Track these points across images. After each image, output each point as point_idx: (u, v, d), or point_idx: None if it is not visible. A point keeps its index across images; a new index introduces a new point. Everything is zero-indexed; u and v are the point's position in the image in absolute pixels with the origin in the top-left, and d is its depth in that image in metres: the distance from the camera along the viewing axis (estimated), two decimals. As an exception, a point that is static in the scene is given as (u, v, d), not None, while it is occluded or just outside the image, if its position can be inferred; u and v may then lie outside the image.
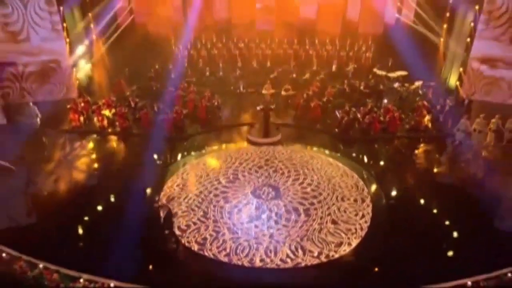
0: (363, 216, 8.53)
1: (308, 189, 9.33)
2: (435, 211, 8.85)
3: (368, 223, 8.31)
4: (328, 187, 9.48)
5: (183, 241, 7.88)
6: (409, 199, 9.36)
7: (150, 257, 7.45)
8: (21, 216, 8.49)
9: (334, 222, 8.39)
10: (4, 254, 7.35)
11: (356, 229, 8.11)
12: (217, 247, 7.65)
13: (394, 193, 9.58)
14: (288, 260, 7.40)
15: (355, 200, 9.03)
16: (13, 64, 12.20)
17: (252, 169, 10.22)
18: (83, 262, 7.16)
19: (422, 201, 9.24)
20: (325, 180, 9.77)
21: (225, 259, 7.43)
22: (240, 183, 9.61)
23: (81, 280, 6.94)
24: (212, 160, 10.68)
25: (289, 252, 7.58)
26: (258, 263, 7.34)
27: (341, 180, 9.72)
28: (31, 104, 11.49)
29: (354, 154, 10.97)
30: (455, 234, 8.09)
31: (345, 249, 7.58)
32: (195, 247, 7.70)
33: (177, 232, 8.11)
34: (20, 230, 8.02)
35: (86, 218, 8.50)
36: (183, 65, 15.15)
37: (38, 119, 11.39)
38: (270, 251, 7.56)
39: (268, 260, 7.35)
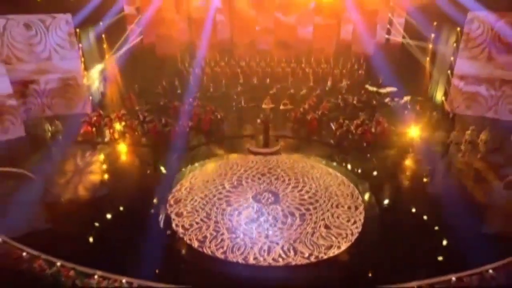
0: (354, 222, 8.66)
1: (306, 196, 9.50)
2: (424, 217, 8.85)
3: (359, 229, 8.42)
4: (325, 195, 9.62)
5: (185, 239, 8.11)
6: (398, 205, 9.44)
7: (154, 255, 7.60)
8: (39, 220, 8.68)
9: (327, 227, 8.55)
10: (24, 254, 7.54)
11: (346, 234, 8.27)
12: (215, 245, 7.90)
13: (385, 200, 9.62)
14: (280, 259, 7.57)
15: (349, 208, 9.14)
16: (36, 82, 12.62)
17: (256, 176, 10.44)
18: (96, 261, 7.33)
19: (410, 207, 9.22)
20: (323, 188, 9.93)
21: (222, 256, 7.64)
22: (243, 188, 9.86)
23: (95, 277, 7.12)
24: (212, 165, 10.94)
25: (281, 252, 7.77)
26: (251, 261, 7.54)
27: (338, 189, 9.85)
28: (56, 121, 11.80)
29: (349, 165, 10.96)
30: (439, 234, 8.16)
31: (334, 252, 7.75)
32: (195, 244, 7.95)
33: (180, 230, 8.36)
34: (38, 232, 8.21)
35: (99, 221, 8.67)
36: (197, 82, 15.61)
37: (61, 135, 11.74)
38: (264, 251, 7.77)
39: (261, 258, 7.57)
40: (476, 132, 10.95)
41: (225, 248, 7.87)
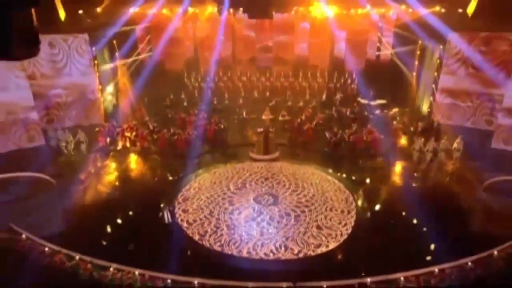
0: (345, 224, 8.81)
1: (303, 199, 9.72)
2: (410, 218, 9.01)
3: (349, 231, 8.58)
4: (321, 199, 9.78)
5: (188, 232, 8.52)
6: (387, 208, 9.61)
7: (163, 249, 7.99)
8: (59, 221, 9.10)
9: (318, 227, 8.72)
10: (46, 249, 7.90)
11: (336, 234, 8.43)
12: (214, 239, 8.29)
13: (375, 203, 9.76)
14: (271, 254, 7.91)
15: (342, 211, 9.28)
16: (58, 95, 13.02)
17: (259, 180, 10.73)
18: (111, 255, 7.64)
19: (398, 210, 9.40)
20: (320, 193, 10.08)
21: (218, 249, 8.02)
22: (246, 190, 10.21)
23: (111, 269, 7.44)
24: (221, 169, 11.29)
25: (273, 248, 8.06)
26: (244, 254, 7.89)
27: (334, 194, 10.00)
28: (80, 132, 12.30)
29: (342, 171, 11.15)
30: (423, 233, 8.36)
31: (322, 250, 7.95)
32: (196, 237, 8.36)
33: (185, 225, 8.78)
34: (58, 232, 8.58)
35: (113, 220, 9.02)
36: (203, 95, 15.96)
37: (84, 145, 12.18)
38: (258, 246, 8.10)
39: (253, 252, 7.91)
40: (450, 141, 11.38)
41: (222, 242, 8.24)
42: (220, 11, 13.92)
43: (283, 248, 8.07)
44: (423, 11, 13.07)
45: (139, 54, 16.45)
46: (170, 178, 10.99)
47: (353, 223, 8.84)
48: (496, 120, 12.22)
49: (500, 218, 8.66)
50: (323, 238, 8.31)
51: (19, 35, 1.60)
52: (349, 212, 9.27)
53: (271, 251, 8.00)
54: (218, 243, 8.19)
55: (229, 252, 7.96)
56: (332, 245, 8.11)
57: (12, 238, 8.26)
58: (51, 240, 8.07)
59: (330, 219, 8.99)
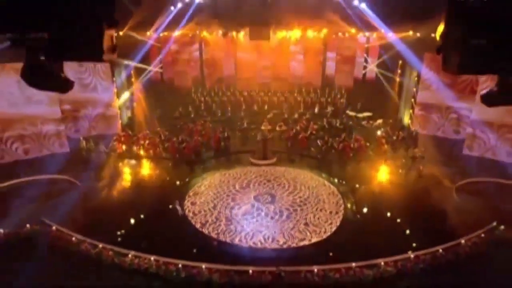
0: (331, 223, 9.14)
1: (298, 200, 10.11)
2: (391, 214, 9.46)
3: (334, 229, 8.92)
4: (314, 200, 10.09)
5: (192, 221, 9.24)
6: (371, 206, 9.89)
7: (172, 238, 8.60)
8: (83, 215, 9.54)
9: (306, 224, 9.08)
10: (73, 238, 8.40)
11: (320, 231, 8.80)
12: (213, 228, 8.92)
13: (359, 202, 10.08)
14: (259, 243, 8.45)
15: (331, 212, 9.59)
16: (86, 108, 13.70)
17: (262, 182, 11.16)
18: (129, 244, 8.19)
19: (380, 207, 9.75)
20: (314, 195, 10.37)
21: (215, 236, 8.73)
22: (249, 190, 10.72)
23: (129, 255, 7.91)
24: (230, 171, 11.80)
25: (261, 239, 8.58)
26: (236, 242, 8.53)
27: (327, 197, 10.28)
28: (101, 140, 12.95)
29: (331, 174, 11.53)
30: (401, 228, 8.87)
31: (304, 243, 8.40)
32: (198, 225, 9.05)
33: (190, 215, 9.47)
34: (83, 224, 9.01)
35: (129, 215, 9.47)
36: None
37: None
38: (248, 236, 8.68)
39: (244, 241, 8.53)
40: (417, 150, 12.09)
41: (219, 231, 8.88)
42: (225, 34, 14.60)
43: (270, 239, 8.58)
44: (394, 37, 13.73)
45: (151, 71, 16.83)
46: (179, 179, 11.42)
47: (338, 223, 9.14)
48: (462, 130, 12.97)
49: (468, 214, 9.20)
50: (308, 234, 8.73)
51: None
52: (336, 213, 9.57)
53: (259, 241, 8.53)
54: (215, 232, 8.85)
55: (223, 239, 8.62)
56: (314, 240, 8.54)
57: (44, 230, 8.79)
58: (77, 231, 8.54)
59: (318, 218, 9.29)
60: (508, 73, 2.03)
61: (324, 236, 8.69)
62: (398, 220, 9.24)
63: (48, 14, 1.96)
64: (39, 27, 1.97)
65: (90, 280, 7.53)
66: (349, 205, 9.97)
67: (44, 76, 2.22)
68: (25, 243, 8.34)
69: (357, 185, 10.99)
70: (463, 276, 7.51)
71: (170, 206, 9.88)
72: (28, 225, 8.73)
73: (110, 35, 2.13)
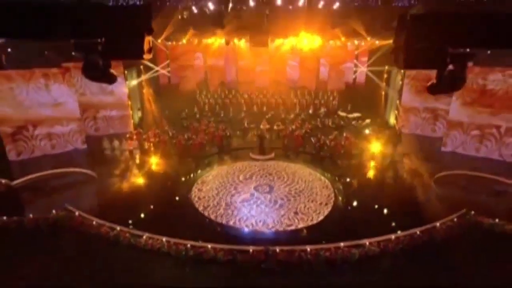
0: (319, 213, 9.38)
1: (292, 192, 10.46)
2: (376, 202, 9.83)
3: (320, 218, 9.15)
4: (308, 192, 10.38)
5: (196, 205, 9.73)
6: (359, 196, 10.33)
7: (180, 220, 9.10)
8: (101, 203, 10.11)
9: (296, 213, 9.38)
10: (94, 222, 8.79)
11: (307, 219, 9.11)
12: (212, 212, 9.51)
13: (348, 194, 10.39)
14: (250, 226, 8.89)
15: (321, 203, 9.83)
16: (104, 109, 14.24)
17: (264, 174, 11.50)
18: (144, 227, 8.55)
19: (366, 196, 10.15)
20: (309, 188, 10.66)
21: (213, 218, 9.24)
22: (251, 181, 11.11)
23: (144, 237, 8.28)
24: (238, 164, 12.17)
25: (253, 222, 9.02)
26: (230, 224, 9.01)
27: (320, 190, 10.54)
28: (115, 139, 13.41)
29: (325, 171, 11.71)
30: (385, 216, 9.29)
31: (291, 228, 8.79)
32: (200, 208, 9.67)
33: (196, 199, 9.97)
34: (101, 210, 9.49)
35: (141, 203, 9.93)
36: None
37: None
38: (242, 219, 9.13)
39: (238, 223, 9.01)
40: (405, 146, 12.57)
41: (216, 214, 9.40)
42: (227, 42, 15.09)
43: (261, 223, 9.01)
44: (378, 44, 14.28)
45: (159, 77, 17.35)
46: (186, 172, 11.84)
47: (326, 213, 9.40)
48: (438, 128, 13.60)
49: (444, 202, 9.77)
50: (296, 221, 9.08)
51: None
52: (326, 204, 9.80)
53: (251, 224, 9.01)
54: (214, 214, 9.35)
55: (220, 221, 9.14)
56: (300, 226, 8.85)
57: (68, 215, 9.21)
58: (96, 216, 8.95)
59: (308, 208, 9.57)
60: (442, 69, 2.59)
61: (310, 223, 9.04)
62: (379, 204, 9.69)
63: (105, 25, 2.53)
64: (97, 34, 2.53)
65: (108, 259, 7.89)
66: (340, 198, 10.25)
67: (98, 71, 2.78)
68: (52, 226, 8.84)
69: (348, 179, 11.38)
70: (437, 254, 7.94)
71: (177, 198, 10.30)
72: (54, 211, 9.20)
73: (148, 40, 2.70)
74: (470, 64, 11.88)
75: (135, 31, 2.55)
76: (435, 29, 2.35)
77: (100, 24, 2.54)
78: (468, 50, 2.45)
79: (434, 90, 2.88)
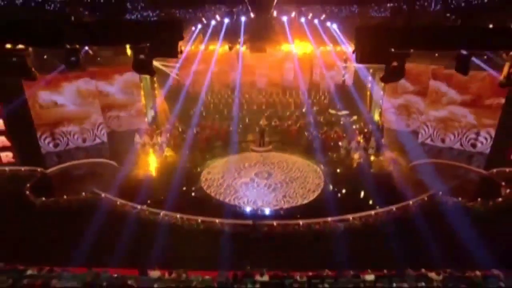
0: (305, 198, 9.96)
1: (287, 179, 11.02)
2: (358, 186, 10.47)
3: (304, 202, 9.79)
4: (300, 180, 10.87)
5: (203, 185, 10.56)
6: (345, 182, 10.99)
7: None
8: (122, 187, 10.54)
9: (284, 196, 10.00)
10: (118, 202, 9.68)
11: (293, 202, 9.76)
12: (214, 190, 10.39)
13: (337, 179, 11.16)
14: (242, 204, 9.74)
15: (309, 190, 10.33)
16: (126, 108, 14.96)
17: (267, 163, 12.10)
18: (159, 206, 9.32)
19: (351, 182, 10.77)
20: (303, 176, 11.14)
21: (214, 195, 10.12)
22: (255, 168, 11.78)
23: (161, 214, 9.15)
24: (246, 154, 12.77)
25: (245, 201, 9.85)
26: (226, 201, 9.88)
27: (312, 179, 10.98)
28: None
29: (316, 161, 12.23)
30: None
31: (276, 209, 9.56)
32: (205, 187, 10.58)
33: (203, 180, 10.75)
34: (122, 193, 10.09)
35: (157, 185, 10.83)
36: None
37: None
38: (237, 199, 9.95)
39: (232, 201, 9.87)
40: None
41: (216, 192, 10.29)
42: (231, 48, 15.79)
43: (251, 203, 9.77)
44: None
45: (170, 78, 17.14)
46: (195, 162, 12.56)
47: (311, 198, 9.97)
48: (411, 123, 14.34)
49: (417, 185, 10.53)
50: (282, 203, 9.78)
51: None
52: (313, 191, 10.31)
53: (243, 202, 9.83)
54: (214, 192, 10.14)
55: (218, 198, 10.06)
56: (285, 207, 9.58)
57: (95, 197, 10.05)
58: (119, 197, 9.77)
59: (297, 194, 10.12)
60: (388, 64, 3.40)
61: (294, 205, 9.76)
62: (362, 189, 10.38)
63: (149, 33, 3.35)
64: (145, 40, 3.35)
65: (131, 233, 8.45)
66: (330, 186, 10.78)
67: (144, 67, 3.59)
68: (82, 206, 9.65)
69: (338, 170, 11.99)
70: (409, 227, 8.73)
71: (184, 188, 10.86)
72: (83, 193, 10.05)
73: (180, 45, 3.53)
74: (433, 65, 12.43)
75: (171, 38, 3.37)
76: (381, 36, 3.15)
77: (146, 33, 3.36)
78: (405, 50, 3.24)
79: (384, 80, 3.68)
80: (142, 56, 3.33)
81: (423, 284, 6.18)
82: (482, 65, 10.24)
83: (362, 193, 10.32)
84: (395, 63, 3.25)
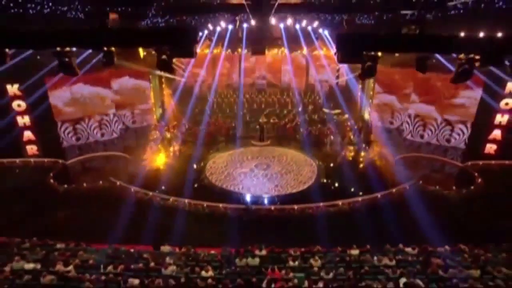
0: (295, 188, 10.34)
1: (283, 170, 11.45)
2: (347, 177, 10.93)
3: (293, 191, 10.18)
4: (295, 172, 11.23)
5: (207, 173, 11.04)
6: (335, 172, 11.43)
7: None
8: (135, 176, 11.08)
9: (276, 186, 10.45)
10: (132, 190, 10.23)
11: (284, 191, 10.17)
12: (215, 177, 10.94)
13: (328, 169, 11.58)
14: (239, 190, 10.24)
15: (301, 182, 10.68)
16: (140, 105, 15.45)
17: (268, 156, 12.46)
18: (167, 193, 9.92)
19: (340, 173, 11.21)
20: (298, 169, 11.48)
21: (214, 182, 10.64)
22: (256, 160, 12.18)
23: (170, 199, 9.63)
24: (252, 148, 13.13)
25: (241, 187, 10.34)
26: (224, 187, 10.44)
27: (306, 172, 11.32)
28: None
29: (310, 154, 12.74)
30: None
31: (269, 195, 10.08)
32: (208, 174, 11.13)
33: (208, 168, 11.29)
34: (133, 181, 10.61)
35: (167, 175, 11.37)
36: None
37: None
38: (234, 186, 10.46)
39: (230, 187, 10.43)
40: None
41: (217, 179, 10.83)
42: (233, 51, 16.32)
43: (246, 190, 10.31)
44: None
45: (177, 80, 17.71)
46: (199, 155, 12.95)
47: (301, 189, 10.36)
48: (394, 121, 14.90)
49: (400, 175, 11.11)
50: (273, 191, 10.25)
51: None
52: (304, 183, 10.65)
53: (239, 189, 10.36)
54: (215, 179, 10.70)
55: (217, 184, 10.65)
56: (275, 194, 10.06)
57: (111, 185, 10.61)
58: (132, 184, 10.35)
59: (288, 184, 10.48)
60: (363, 64, 4.00)
61: (283, 193, 10.25)
62: (355, 182, 10.75)
63: (170, 37, 3.95)
64: (167, 43, 3.95)
65: (143, 217, 9.02)
66: (324, 179, 11.17)
67: (166, 66, 4.19)
68: (100, 193, 10.23)
69: (329, 162, 12.35)
70: (393, 212, 9.20)
71: (191, 178, 11.22)
72: (100, 182, 10.66)
73: (196, 47, 4.13)
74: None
75: (189, 41, 3.97)
76: (356, 41, 3.76)
77: (168, 37, 3.97)
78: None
79: (361, 77, 4.29)
80: (164, 57, 3.91)
81: (400, 257, 6.81)
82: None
83: (351, 183, 10.73)
84: (369, 63, 3.84)
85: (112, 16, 3.80)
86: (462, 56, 4.17)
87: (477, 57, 4.00)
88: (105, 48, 4.15)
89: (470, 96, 12.57)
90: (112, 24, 3.74)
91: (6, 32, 3.78)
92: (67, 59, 4.14)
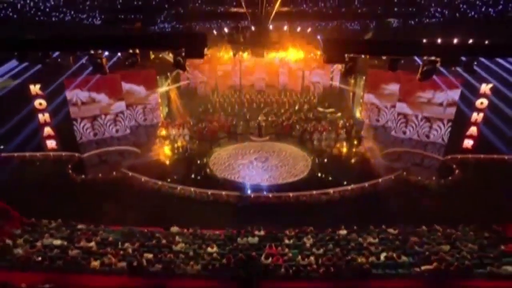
0: (285, 180, 10.73)
1: (280, 163, 11.83)
2: (339, 170, 11.38)
3: (288, 181, 10.56)
4: (290, 166, 11.55)
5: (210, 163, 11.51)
6: (328, 165, 11.89)
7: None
8: (144, 167, 11.65)
9: (271, 176, 10.80)
10: (142, 179, 10.72)
11: (275, 184, 10.57)
12: (217, 167, 11.45)
13: (320, 162, 12.03)
14: (241, 180, 10.73)
15: (294, 175, 11.02)
16: (150, 103, 15.96)
17: (269, 150, 12.82)
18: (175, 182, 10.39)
19: (334, 167, 11.65)
20: (293, 163, 11.79)
21: (216, 173, 11.12)
22: (257, 153, 12.63)
23: (178, 188, 10.21)
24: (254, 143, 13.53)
25: (245, 178, 10.79)
26: (228, 178, 10.91)
27: (301, 166, 11.62)
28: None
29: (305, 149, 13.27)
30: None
31: (266, 184, 10.56)
32: (210, 164, 11.66)
33: (211, 159, 11.78)
34: (143, 171, 11.13)
35: (172, 167, 11.87)
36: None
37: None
38: (234, 175, 10.96)
39: (228, 177, 10.91)
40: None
41: (217, 169, 11.34)
42: (234, 54, 16.76)
43: (245, 180, 10.79)
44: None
45: (181, 81, 18.75)
46: (204, 150, 13.52)
47: (292, 180, 10.71)
48: (381, 120, 15.44)
49: (387, 167, 11.70)
50: (266, 182, 10.70)
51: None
52: (296, 176, 10.99)
53: (236, 178, 10.90)
54: (216, 169, 11.21)
55: (219, 174, 11.14)
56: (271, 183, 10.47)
57: (123, 176, 11.13)
58: (143, 175, 10.84)
59: (281, 176, 10.84)
60: (346, 64, 4.57)
61: (275, 183, 10.70)
62: (346, 173, 11.39)
63: (184, 42, 4.52)
64: (182, 46, 4.51)
65: (153, 204, 9.66)
66: (318, 173, 11.53)
67: (180, 65, 4.75)
68: (114, 182, 10.77)
69: (323, 157, 12.84)
70: (379, 201, 9.92)
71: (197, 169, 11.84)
72: (114, 173, 11.19)
73: (205, 49, 4.68)
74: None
75: (200, 45, 4.54)
76: (338, 45, 4.34)
77: (182, 41, 4.53)
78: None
79: (344, 75, 4.88)
80: (179, 58, 4.47)
81: (382, 236, 7.40)
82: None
83: (341, 173, 11.25)
84: (350, 64, 4.41)
85: (137, 24, 4.37)
86: (425, 58, 4.74)
87: (438, 59, 4.58)
88: (131, 51, 4.72)
89: (449, 97, 13.25)
90: (137, 30, 4.31)
91: (56, 38, 4.35)
92: (99, 60, 4.71)
